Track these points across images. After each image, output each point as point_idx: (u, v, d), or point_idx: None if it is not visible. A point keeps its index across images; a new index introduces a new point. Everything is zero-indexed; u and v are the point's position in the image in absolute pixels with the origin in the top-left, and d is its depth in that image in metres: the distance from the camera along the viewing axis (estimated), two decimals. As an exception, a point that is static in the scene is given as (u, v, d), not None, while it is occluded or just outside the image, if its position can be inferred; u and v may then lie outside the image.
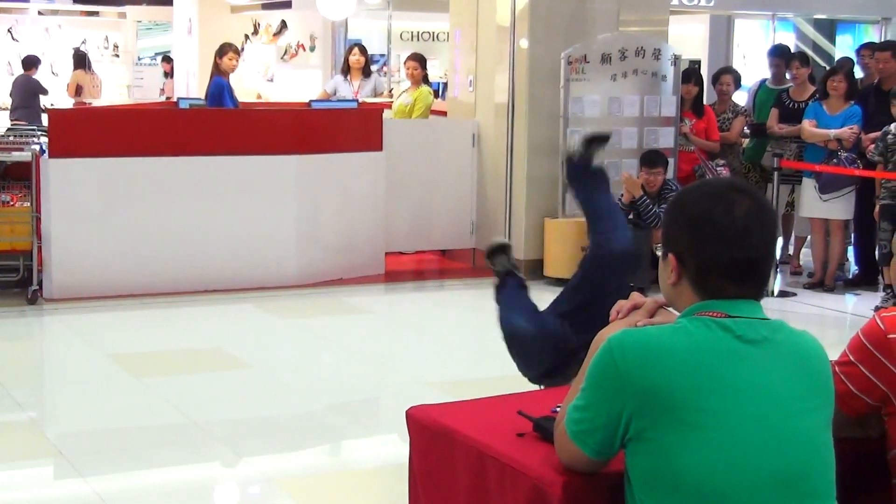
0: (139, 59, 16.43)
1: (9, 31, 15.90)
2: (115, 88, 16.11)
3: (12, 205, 7.13)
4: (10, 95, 13.51)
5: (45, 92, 13.52)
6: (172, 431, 4.79)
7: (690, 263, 2.01)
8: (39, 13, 16.23)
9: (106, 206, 7.25)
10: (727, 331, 1.96)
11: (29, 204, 7.09)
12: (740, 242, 1.97)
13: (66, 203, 7.14)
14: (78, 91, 14.65)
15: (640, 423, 1.93)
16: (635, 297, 2.25)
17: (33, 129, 8.34)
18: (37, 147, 7.31)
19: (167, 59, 15.81)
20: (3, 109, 13.84)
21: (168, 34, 16.03)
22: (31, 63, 13.66)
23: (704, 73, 10.62)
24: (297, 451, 4.37)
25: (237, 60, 9.61)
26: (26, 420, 5.02)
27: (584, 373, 2.03)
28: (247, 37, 14.82)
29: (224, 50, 9.47)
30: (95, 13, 16.68)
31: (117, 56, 16.70)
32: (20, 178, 7.14)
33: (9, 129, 8.80)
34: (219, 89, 9.28)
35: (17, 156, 7.16)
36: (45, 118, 9.90)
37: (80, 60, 15.11)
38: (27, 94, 13.27)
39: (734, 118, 8.84)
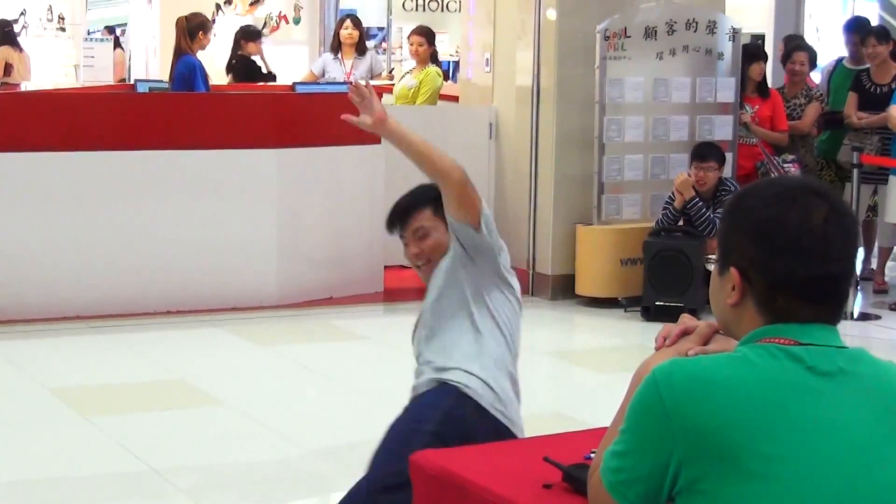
0: (89, 33, 16.48)
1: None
2: (59, 68, 16.14)
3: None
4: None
5: None
6: (127, 480, 4.79)
7: (758, 280, 2.00)
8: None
9: (46, 211, 7.25)
10: (797, 361, 1.95)
11: (-45, 207, 7.12)
12: (821, 255, 1.97)
13: None
14: (7, 71, 14.67)
15: (691, 472, 1.92)
16: (685, 319, 2.25)
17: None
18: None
19: (110, 29, 15.86)
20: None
21: (124, 4, 16.08)
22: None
23: (769, 49, 10.63)
24: (276, 505, 4.39)
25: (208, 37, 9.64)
26: (-49, 467, 5.02)
27: (625, 412, 2.03)
28: (218, 7, 14.86)
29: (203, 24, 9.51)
30: (35, -22, 16.76)
31: (63, 30, 16.75)
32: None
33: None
34: (189, 70, 9.29)
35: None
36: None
37: (8, 35, 15.13)
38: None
39: (807, 104, 8.83)
